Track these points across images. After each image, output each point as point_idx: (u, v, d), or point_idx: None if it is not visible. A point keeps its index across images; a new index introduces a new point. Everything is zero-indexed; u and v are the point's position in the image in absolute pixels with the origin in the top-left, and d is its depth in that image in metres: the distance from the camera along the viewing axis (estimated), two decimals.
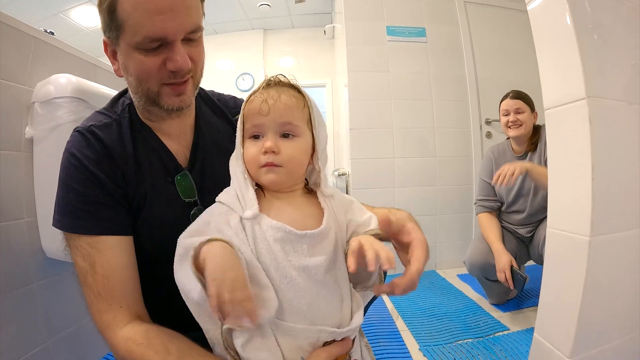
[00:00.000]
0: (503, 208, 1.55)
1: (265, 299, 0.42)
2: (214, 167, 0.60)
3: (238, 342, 0.44)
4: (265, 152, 0.47)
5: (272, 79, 0.50)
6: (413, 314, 1.58)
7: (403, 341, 1.36)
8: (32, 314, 0.90)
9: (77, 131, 0.55)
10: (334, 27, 3.54)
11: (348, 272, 0.50)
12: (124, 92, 0.63)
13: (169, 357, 0.45)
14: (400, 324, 1.51)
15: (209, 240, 0.42)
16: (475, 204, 1.61)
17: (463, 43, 2.16)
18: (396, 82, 2.11)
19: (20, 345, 0.86)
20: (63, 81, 0.88)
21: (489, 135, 2.19)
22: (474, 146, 2.16)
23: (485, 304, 1.62)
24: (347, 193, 2.27)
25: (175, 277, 0.45)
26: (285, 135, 0.49)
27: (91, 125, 0.55)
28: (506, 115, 1.45)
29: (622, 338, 0.55)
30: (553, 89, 0.54)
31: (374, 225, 0.52)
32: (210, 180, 0.60)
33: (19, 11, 3.37)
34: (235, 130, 0.56)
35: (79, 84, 0.88)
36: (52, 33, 1.09)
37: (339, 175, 2.37)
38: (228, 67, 4.28)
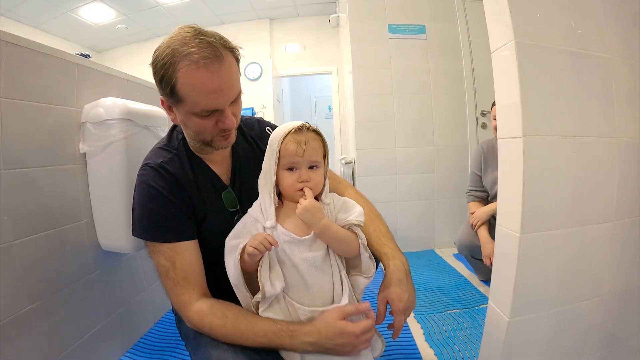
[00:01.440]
0: (489, 198, 1.74)
1: (276, 281, 0.65)
2: (248, 183, 0.79)
3: (261, 309, 0.67)
4: (301, 181, 0.68)
5: (300, 127, 0.69)
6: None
7: None
8: (91, 298, 1.10)
9: (150, 167, 0.73)
10: (338, 16, 3.61)
11: (342, 259, 0.72)
12: (174, 127, 0.82)
13: (227, 320, 0.66)
14: None
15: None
16: (466, 193, 1.79)
17: (461, 40, 2.27)
18: (397, 77, 2.24)
19: (84, 325, 1.07)
20: (110, 104, 1.05)
21: (484, 126, 2.33)
22: (469, 136, 2.31)
23: (474, 280, 1.82)
24: (353, 179, 2.46)
25: (225, 264, 0.67)
26: (311, 167, 0.69)
27: (161, 162, 0.73)
28: (495, 119, 1.61)
29: (552, 309, 0.74)
30: (502, 124, 0.72)
31: (353, 217, 0.71)
32: (246, 193, 0.79)
33: (32, 12, 3.52)
34: (259, 150, 0.82)
35: (125, 106, 1.06)
36: (88, 56, 1.26)
37: (345, 163, 2.55)
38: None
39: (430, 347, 1.26)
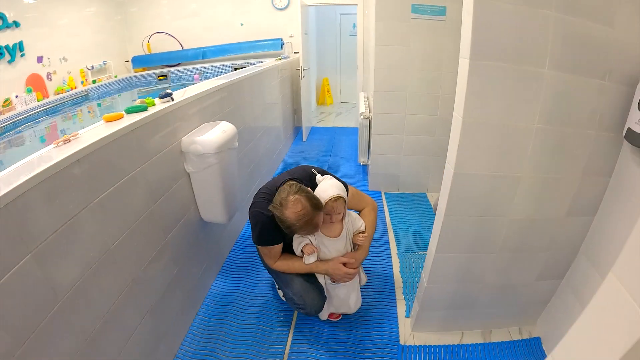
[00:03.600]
0: None
1: (316, 255, 1.45)
2: None
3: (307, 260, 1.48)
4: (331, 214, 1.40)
5: (332, 197, 1.36)
6: (399, 229, 2.54)
7: (389, 246, 2.37)
8: (199, 246, 1.85)
9: (262, 208, 1.43)
10: None
11: (351, 247, 1.50)
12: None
13: (285, 260, 1.51)
14: (390, 235, 2.51)
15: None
16: None
17: None
18: (414, 55, 2.50)
19: (198, 261, 1.87)
20: (206, 142, 1.59)
21: None
22: None
23: None
24: (369, 134, 2.96)
25: (293, 246, 1.47)
26: (338, 213, 1.37)
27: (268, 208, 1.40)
28: None
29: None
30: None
31: (359, 227, 1.51)
32: None
33: None
34: None
35: (216, 142, 1.60)
36: (171, 96, 1.70)
37: (364, 117, 3.01)
38: None
39: (401, 277, 2.07)
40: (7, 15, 3.38)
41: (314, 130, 5.09)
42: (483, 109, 1.11)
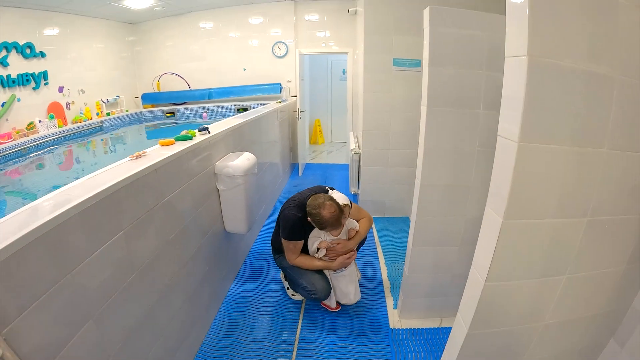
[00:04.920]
0: None
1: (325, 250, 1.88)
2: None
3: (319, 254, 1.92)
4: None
5: (344, 204, 1.85)
6: (386, 245, 2.96)
7: (378, 258, 2.78)
8: (222, 252, 2.24)
9: (293, 212, 1.89)
10: (356, 10, 4.16)
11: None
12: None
13: (303, 257, 1.94)
14: (379, 250, 2.92)
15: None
16: None
17: None
18: (395, 100, 3.09)
19: (223, 267, 2.25)
20: (236, 166, 2.05)
21: None
22: None
23: None
24: (359, 167, 3.47)
25: (309, 243, 1.91)
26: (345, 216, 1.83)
27: (301, 215, 1.86)
28: None
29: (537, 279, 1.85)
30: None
31: (354, 227, 1.97)
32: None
33: (79, 5, 4.03)
34: None
35: (244, 166, 2.06)
36: (208, 130, 2.19)
37: (354, 153, 3.53)
38: (263, 34, 4.98)
39: (389, 279, 2.46)
40: (35, 45, 3.84)
41: (308, 166, 5.60)
42: (438, 139, 1.62)
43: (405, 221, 3.42)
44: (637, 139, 0.89)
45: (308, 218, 1.86)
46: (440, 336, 1.92)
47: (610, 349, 1.21)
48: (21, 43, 3.71)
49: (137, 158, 1.53)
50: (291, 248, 1.97)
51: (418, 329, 1.97)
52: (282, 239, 1.97)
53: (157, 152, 1.61)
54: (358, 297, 2.08)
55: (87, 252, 1.06)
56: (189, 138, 1.91)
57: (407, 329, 1.97)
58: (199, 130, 2.07)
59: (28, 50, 3.78)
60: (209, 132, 2.06)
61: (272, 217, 3.52)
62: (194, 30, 5.23)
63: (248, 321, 2.05)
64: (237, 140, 2.52)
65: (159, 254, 1.47)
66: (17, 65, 3.68)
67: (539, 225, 0.91)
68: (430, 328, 1.97)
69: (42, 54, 3.95)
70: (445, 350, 1.22)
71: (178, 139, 1.87)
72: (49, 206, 0.99)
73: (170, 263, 1.57)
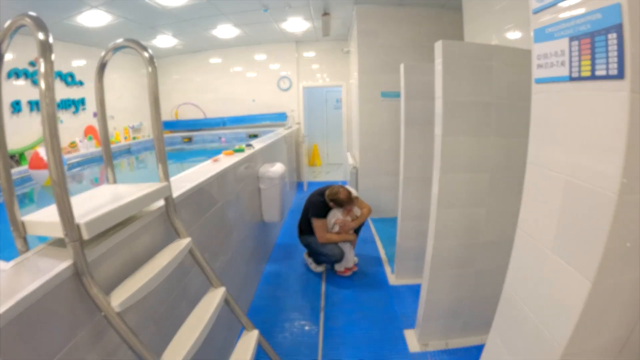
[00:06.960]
0: None
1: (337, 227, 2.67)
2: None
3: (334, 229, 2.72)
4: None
5: (353, 195, 2.66)
6: (381, 235, 3.74)
7: (376, 243, 3.54)
8: (260, 238, 2.99)
9: (317, 198, 2.72)
10: (349, 50, 5.15)
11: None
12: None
13: (329, 235, 2.70)
14: (376, 238, 3.69)
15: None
16: None
17: None
18: (384, 124, 3.98)
19: (261, 250, 2.99)
20: (276, 171, 2.86)
21: None
22: None
23: None
24: (356, 178, 4.34)
25: (328, 218, 2.72)
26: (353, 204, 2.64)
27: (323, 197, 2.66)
28: None
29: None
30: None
31: (358, 213, 2.76)
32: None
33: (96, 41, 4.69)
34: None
35: (280, 171, 2.87)
36: (252, 146, 3.02)
37: (353, 167, 4.37)
38: (269, 70, 5.93)
39: (386, 256, 3.22)
40: (75, 74, 4.55)
41: (310, 184, 6.41)
42: (414, 149, 2.48)
43: (395, 220, 4.21)
44: (507, 130, 1.75)
45: (330, 203, 2.65)
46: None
47: None
48: (64, 72, 4.42)
49: (215, 162, 2.32)
50: (320, 225, 2.71)
51: (411, 285, 2.72)
52: (313, 219, 2.72)
53: (226, 159, 2.41)
54: (356, 260, 2.92)
55: (209, 208, 1.84)
56: (242, 150, 2.72)
57: (402, 285, 2.73)
58: (246, 146, 2.88)
59: (70, 79, 4.50)
60: (254, 148, 2.88)
61: (287, 221, 4.28)
62: (208, 66, 6.18)
63: (285, 284, 2.78)
64: (266, 155, 3.33)
65: (229, 232, 2.23)
66: (60, 92, 4.36)
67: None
68: (417, 284, 2.73)
69: (81, 83, 4.64)
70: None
71: (236, 151, 2.67)
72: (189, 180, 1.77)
73: (236, 237, 2.33)
